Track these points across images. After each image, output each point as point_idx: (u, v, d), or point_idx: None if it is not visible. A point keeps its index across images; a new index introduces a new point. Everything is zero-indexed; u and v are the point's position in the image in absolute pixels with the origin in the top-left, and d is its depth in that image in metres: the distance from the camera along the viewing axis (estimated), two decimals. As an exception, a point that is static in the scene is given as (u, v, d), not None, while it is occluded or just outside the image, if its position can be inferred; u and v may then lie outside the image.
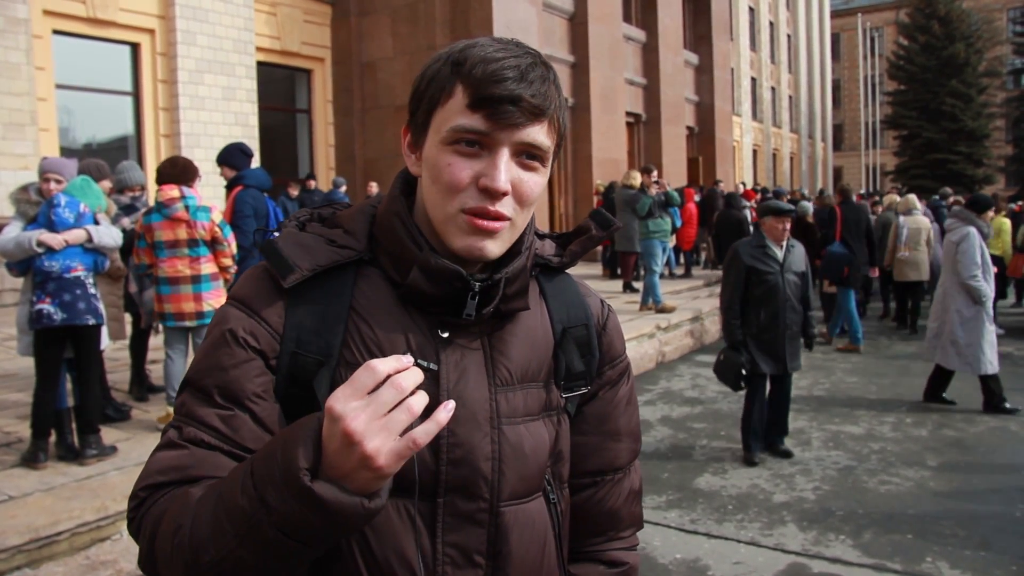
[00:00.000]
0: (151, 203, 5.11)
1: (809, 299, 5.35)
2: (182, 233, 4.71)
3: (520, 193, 0.91)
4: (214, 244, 4.82)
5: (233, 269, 4.95)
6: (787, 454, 5.38)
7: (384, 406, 0.74)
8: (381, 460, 0.74)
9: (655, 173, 10.59)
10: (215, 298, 4.84)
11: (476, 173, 0.89)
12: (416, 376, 0.77)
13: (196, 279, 4.77)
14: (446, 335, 0.96)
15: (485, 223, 0.90)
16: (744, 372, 5.13)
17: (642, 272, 13.38)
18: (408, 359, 0.78)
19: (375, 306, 0.96)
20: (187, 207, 4.71)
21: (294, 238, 0.98)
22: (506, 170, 0.89)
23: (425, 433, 0.75)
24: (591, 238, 1.09)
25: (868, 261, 10.23)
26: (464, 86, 0.89)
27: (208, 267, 4.80)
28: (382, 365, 0.76)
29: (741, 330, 5.18)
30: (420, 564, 0.92)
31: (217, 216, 4.82)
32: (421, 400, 0.76)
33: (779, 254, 5.18)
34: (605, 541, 1.14)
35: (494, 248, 0.93)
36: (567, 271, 1.13)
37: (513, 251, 0.98)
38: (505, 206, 0.90)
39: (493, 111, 0.87)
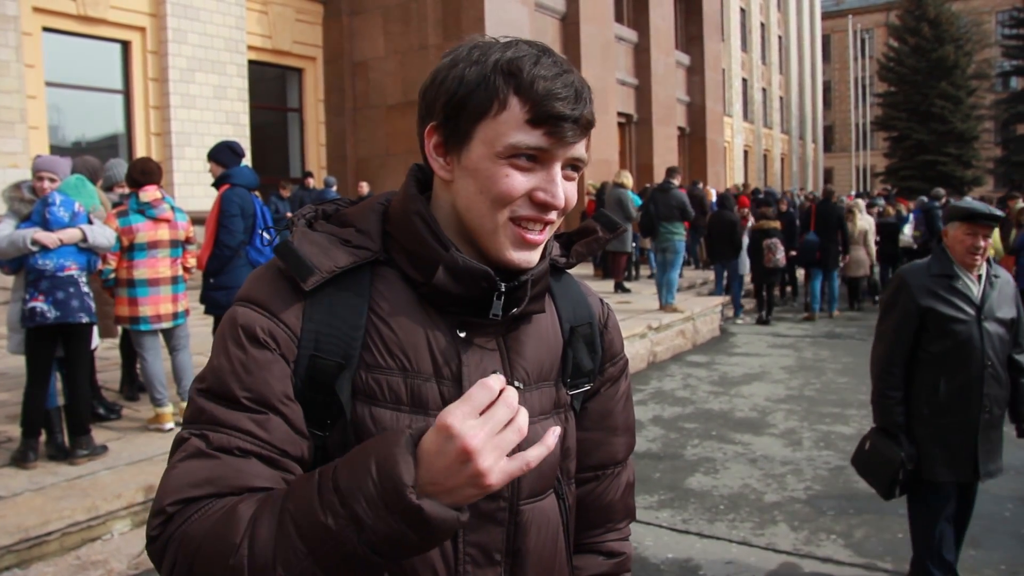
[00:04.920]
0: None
1: (1021, 361, 3.18)
2: (164, 234, 4.73)
3: (566, 203, 0.95)
4: (186, 244, 4.88)
5: (195, 270, 5.06)
6: None
7: (499, 425, 0.76)
8: (493, 478, 0.75)
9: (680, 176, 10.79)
10: (185, 299, 4.93)
11: (531, 186, 0.92)
12: (516, 395, 0.78)
13: (175, 280, 4.83)
14: (463, 335, 0.97)
15: (534, 237, 0.94)
16: (902, 475, 3.10)
17: (642, 271, 13.47)
18: (502, 378, 0.78)
19: (394, 307, 0.95)
20: (171, 208, 4.73)
21: (308, 238, 0.96)
22: (562, 185, 0.93)
23: (537, 456, 0.77)
24: (598, 240, 1.10)
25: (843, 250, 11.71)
26: (522, 101, 0.89)
27: (179, 268, 4.88)
28: (496, 383, 0.77)
29: (903, 407, 3.12)
30: (442, 564, 0.94)
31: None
32: (525, 419, 0.77)
33: (975, 290, 3.05)
34: (603, 533, 1.17)
35: (536, 258, 0.97)
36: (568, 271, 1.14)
37: None
38: (553, 215, 0.95)
39: (554, 129, 0.89)
